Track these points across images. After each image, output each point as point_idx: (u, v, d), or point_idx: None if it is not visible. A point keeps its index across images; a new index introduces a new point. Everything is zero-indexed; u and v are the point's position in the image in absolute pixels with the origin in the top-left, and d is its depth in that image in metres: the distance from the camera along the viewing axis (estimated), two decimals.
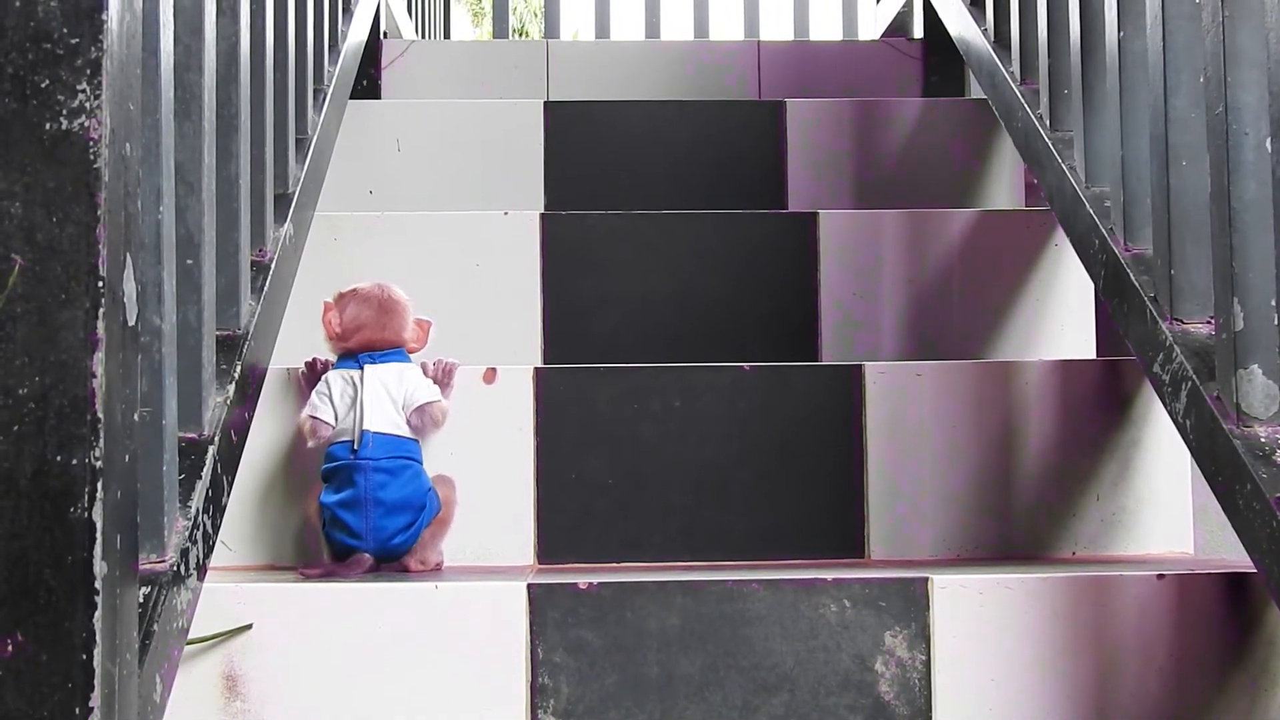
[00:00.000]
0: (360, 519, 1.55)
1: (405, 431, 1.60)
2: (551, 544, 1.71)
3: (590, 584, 1.39)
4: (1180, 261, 1.43)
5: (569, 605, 1.39)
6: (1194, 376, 1.37)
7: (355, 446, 1.57)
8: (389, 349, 1.65)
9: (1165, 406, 1.45)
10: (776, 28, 3.73)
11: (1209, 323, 1.42)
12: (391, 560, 1.57)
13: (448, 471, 1.66)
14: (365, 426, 1.58)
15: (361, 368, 1.62)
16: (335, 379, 1.63)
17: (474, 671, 1.38)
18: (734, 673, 1.38)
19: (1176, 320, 1.44)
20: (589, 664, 1.38)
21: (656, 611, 1.39)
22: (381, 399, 1.60)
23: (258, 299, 1.53)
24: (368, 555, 1.55)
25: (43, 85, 0.87)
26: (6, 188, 0.87)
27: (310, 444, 1.62)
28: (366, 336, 1.65)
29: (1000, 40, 2.13)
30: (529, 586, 1.39)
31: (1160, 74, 1.45)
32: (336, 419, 1.60)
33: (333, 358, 1.68)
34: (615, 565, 1.69)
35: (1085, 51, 1.71)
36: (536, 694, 1.38)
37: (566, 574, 1.51)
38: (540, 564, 1.70)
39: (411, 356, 1.67)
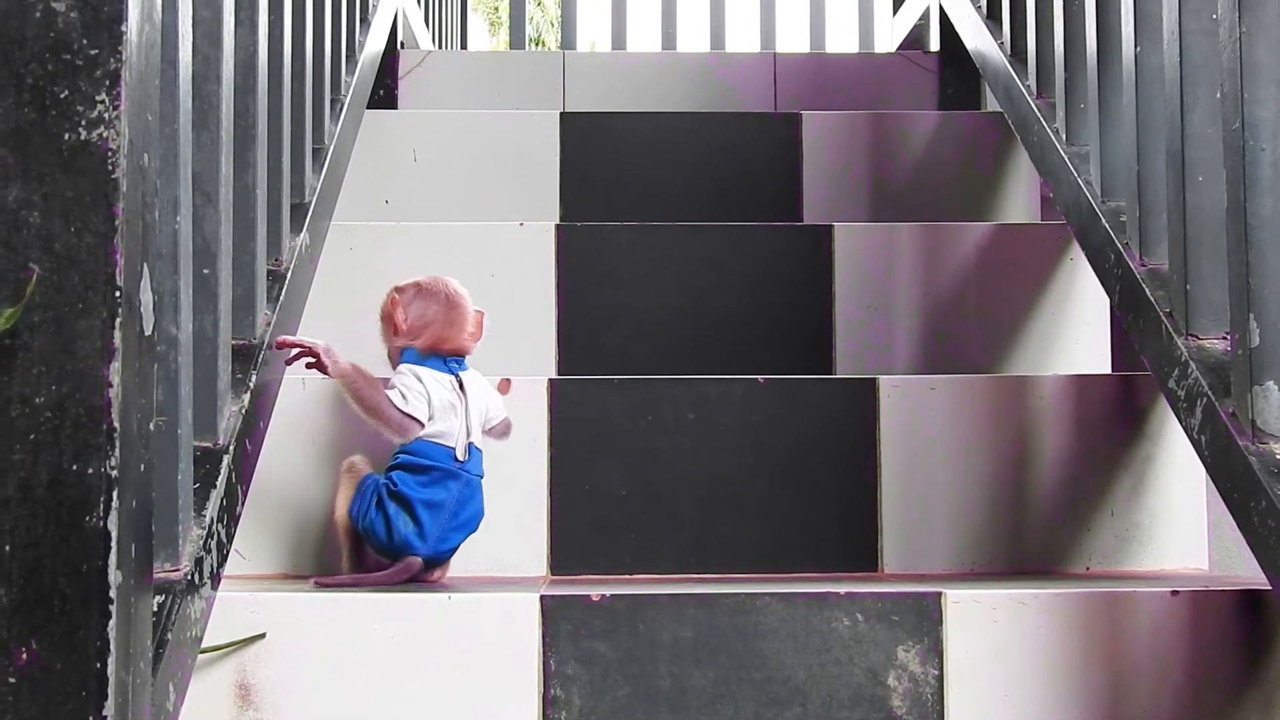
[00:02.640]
0: (436, 523, 1.55)
1: (484, 443, 1.63)
2: (564, 555, 1.71)
3: (603, 595, 1.39)
4: (1196, 277, 1.43)
5: (581, 617, 1.39)
6: (1209, 392, 1.36)
7: (460, 457, 1.58)
8: (462, 353, 1.65)
9: (1180, 422, 1.45)
10: (793, 40, 3.73)
11: (1225, 338, 1.42)
12: (432, 568, 1.58)
13: None
14: (471, 439, 1.59)
15: (455, 375, 1.62)
16: (430, 379, 1.60)
17: (486, 682, 1.38)
18: (746, 685, 1.38)
19: (1192, 335, 1.43)
20: (601, 676, 1.38)
21: (669, 624, 1.39)
22: (478, 412, 1.61)
23: (273, 308, 1.54)
24: (419, 560, 1.55)
25: (62, 96, 0.88)
26: (25, 197, 0.87)
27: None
28: (436, 333, 1.63)
29: (1017, 54, 2.13)
30: (542, 598, 1.39)
31: (1177, 89, 1.45)
32: (431, 421, 1.59)
33: (382, 353, 1.66)
34: (628, 577, 1.69)
35: (1102, 66, 1.71)
36: (548, 705, 1.37)
37: (579, 585, 1.51)
38: (553, 575, 1.70)
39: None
